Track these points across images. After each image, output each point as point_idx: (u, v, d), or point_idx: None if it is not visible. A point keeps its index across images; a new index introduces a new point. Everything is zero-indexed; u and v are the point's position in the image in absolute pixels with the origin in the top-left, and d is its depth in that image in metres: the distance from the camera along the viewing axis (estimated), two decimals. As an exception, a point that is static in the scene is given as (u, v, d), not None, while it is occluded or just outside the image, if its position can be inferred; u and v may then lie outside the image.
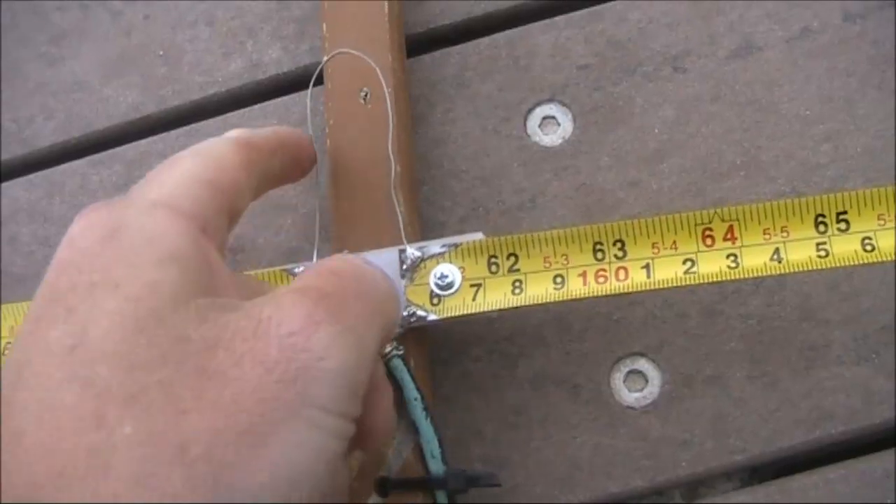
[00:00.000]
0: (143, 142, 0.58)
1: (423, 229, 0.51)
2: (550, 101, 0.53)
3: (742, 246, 0.43)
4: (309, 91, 0.51)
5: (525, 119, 0.53)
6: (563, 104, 0.53)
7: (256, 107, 0.57)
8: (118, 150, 0.58)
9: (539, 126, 0.53)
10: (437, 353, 0.50)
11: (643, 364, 0.49)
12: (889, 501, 0.46)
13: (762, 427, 0.48)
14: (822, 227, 0.42)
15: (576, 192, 0.52)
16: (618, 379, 0.49)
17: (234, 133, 0.40)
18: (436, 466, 0.44)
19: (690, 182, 0.51)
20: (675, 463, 0.48)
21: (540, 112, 0.53)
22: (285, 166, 0.44)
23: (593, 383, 0.49)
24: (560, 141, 0.53)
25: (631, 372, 0.49)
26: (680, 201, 0.50)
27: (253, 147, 0.39)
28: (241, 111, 0.57)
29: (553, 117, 0.53)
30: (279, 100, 0.57)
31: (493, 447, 0.49)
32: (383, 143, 0.48)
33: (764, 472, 0.49)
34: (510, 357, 0.50)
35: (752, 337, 0.48)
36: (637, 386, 0.49)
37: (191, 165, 0.35)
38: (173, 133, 0.57)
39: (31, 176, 0.58)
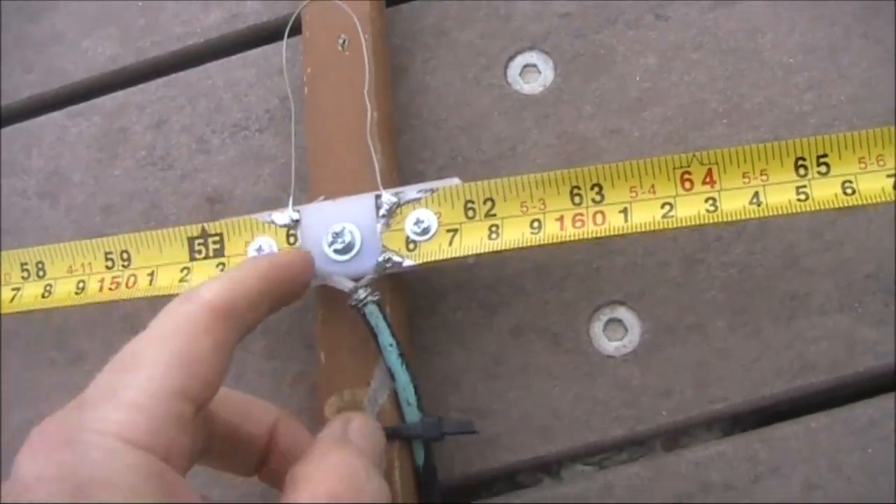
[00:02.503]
0: (121, 93, 0.57)
1: (403, 179, 0.50)
2: (531, 49, 0.53)
3: (721, 190, 0.42)
4: (284, 41, 0.51)
5: (506, 68, 0.53)
6: (545, 52, 0.53)
7: (235, 57, 0.56)
8: (97, 101, 0.58)
9: (520, 74, 0.53)
10: (416, 302, 0.50)
11: (623, 313, 0.49)
12: (869, 450, 0.45)
13: (744, 376, 0.47)
14: (802, 171, 0.41)
15: (557, 140, 0.51)
16: (597, 328, 0.49)
17: (209, 293, 0.36)
18: (411, 414, 0.43)
19: (672, 130, 0.50)
20: (655, 412, 0.47)
21: (521, 60, 0.53)
22: (275, 306, 0.40)
23: (573, 332, 0.49)
24: (541, 89, 0.52)
25: (611, 321, 0.49)
26: (662, 149, 0.50)
27: (232, 315, 0.35)
28: (221, 61, 0.56)
29: (534, 66, 0.53)
30: (258, 50, 0.56)
31: (472, 397, 0.49)
32: (360, 90, 0.48)
33: (745, 422, 0.48)
34: (489, 306, 0.50)
35: (734, 286, 0.48)
36: (617, 335, 0.49)
37: (154, 369, 0.32)
38: (152, 84, 0.57)
39: (9, 128, 0.58)
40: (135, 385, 0.31)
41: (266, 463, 0.40)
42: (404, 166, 0.52)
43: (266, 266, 0.39)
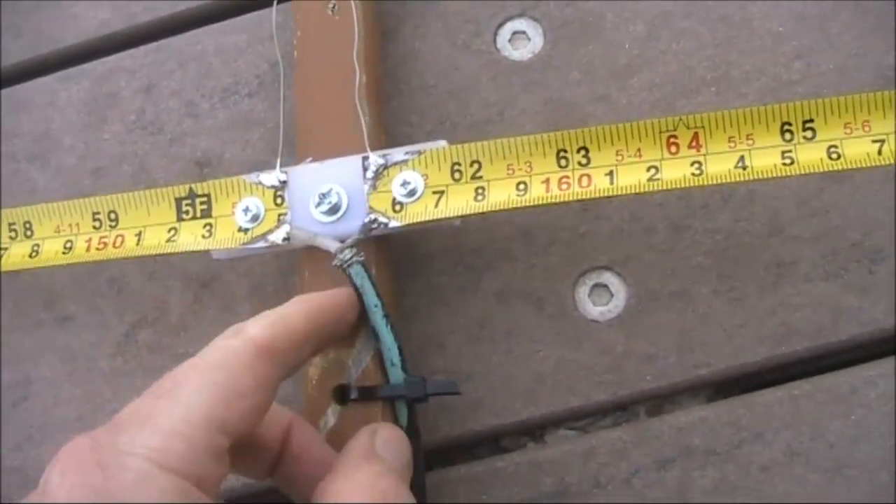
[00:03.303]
0: (111, 58, 0.57)
1: (391, 143, 0.50)
2: (521, 16, 0.53)
3: (707, 154, 0.42)
4: (274, 6, 0.51)
5: (495, 34, 0.53)
6: (534, 19, 0.53)
7: (226, 22, 0.56)
8: (86, 66, 0.57)
9: (509, 41, 0.53)
10: (402, 265, 0.50)
11: (608, 278, 0.49)
12: (852, 417, 0.45)
13: (727, 342, 0.47)
14: (787, 136, 0.42)
15: (544, 106, 0.51)
16: (583, 293, 0.49)
17: (255, 330, 0.35)
18: (395, 375, 0.43)
19: (660, 97, 0.50)
20: (638, 377, 0.47)
21: (510, 27, 0.53)
22: (320, 346, 0.40)
23: (558, 297, 0.49)
24: (530, 56, 0.52)
25: (596, 286, 0.49)
26: (649, 116, 0.49)
27: (276, 354, 0.35)
28: (211, 27, 0.56)
29: (523, 32, 0.53)
30: (249, 15, 0.56)
31: (456, 360, 0.49)
32: (350, 54, 0.48)
33: (729, 389, 0.48)
34: (475, 270, 0.50)
35: (720, 252, 0.48)
36: (602, 300, 0.49)
37: (195, 398, 0.32)
38: (142, 49, 0.57)
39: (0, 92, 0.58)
40: (173, 413, 0.31)
41: (279, 466, 0.40)
42: (393, 131, 0.52)
43: (312, 306, 0.39)
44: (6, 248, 0.50)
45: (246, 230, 0.46)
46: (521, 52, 0.52)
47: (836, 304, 0.47)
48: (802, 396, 0.46)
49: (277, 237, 0.46)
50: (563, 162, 0.43)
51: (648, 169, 0.42)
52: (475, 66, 0.52)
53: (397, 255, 0.50)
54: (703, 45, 0.51)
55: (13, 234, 0.50)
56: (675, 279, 0.48)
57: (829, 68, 0.49)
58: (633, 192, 0.42)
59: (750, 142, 0.42)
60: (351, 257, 0.43)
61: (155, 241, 0.47)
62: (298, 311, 0.38)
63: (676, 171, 0.42)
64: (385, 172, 0.45)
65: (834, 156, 0.41)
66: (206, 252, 0.47)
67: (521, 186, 0.43)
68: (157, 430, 0.31)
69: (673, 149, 0.42)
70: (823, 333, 0.47)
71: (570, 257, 0.49)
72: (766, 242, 0.48)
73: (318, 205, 0.45)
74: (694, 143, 0.42)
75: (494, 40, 0.53)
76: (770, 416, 0.46)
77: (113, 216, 0.48)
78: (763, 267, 0.48)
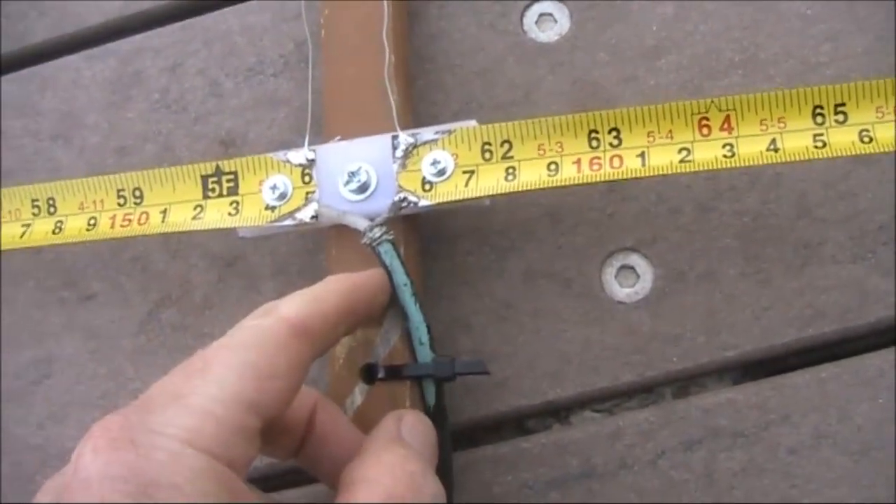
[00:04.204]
0: (137, 37, 0.57)
1: (416, 123, 0.50)
2: (548, -3, 0.53)
3: (738, 136, 0.42)
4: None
5: (522, 16, 0.53)
6: (561, 1, 0.53)
7: (251, 2, 0.56)
8: (111, 45, 0.57)
9: (535, 23, 0.53)
10: (428, 245, 0.50)
11: (635, 259, 0.49)
12: (879, 400, 0.45)
13: (754, 324, 0.47)
14: (819, 119, 0.41)
15: (571, 87, 0.51)
16: (609, 274, 0.49)
17: (288, 310, 0.35)
18: (424, 354, 0.43)
19: (687, 79, 0.50)
20: (665, 358, 0.47)
21: (537, 9, 0.53)
22: (352, 327, 0.40)
23: (584, 278, 0.49)
24: (556, 37, 0.52)
25: (623, 267, 0.49)
26: (676, 98, 0.49)
27: (309, 335, 0.35)
28: (237, 6, 0.56)
29: (550, 14, 0.52)
30: (274, -6, 0.56)
31: (482, 341, 0.49)
32: (378, 33, 0.48)
33: (756, 371, 0.48)
34: (501, 250, 0.50)
35: (747, 234, 0.48)
36: (629, 281, 0.49)
37: (227, 378, 0.32)
38: (167, 28, 0.57)
39: (24, 71, 0.58)
40: (204, 392, 0.31)
41: (304, 447, 0.39)
42: (418, 110, 0.52)
43: (346, 286, 0.39)
44: (29, 225, 0.49)
45: (273, 208, 0.46)
46: (548, 34, 0.52)
47: (864, 286, 0.47)
48: (829, 379, 0.46)
49: (305, 215, 0.46)
50: (594, 143, 0.43)
51: (680, 150, 0.42)
52: (501, 47, 0.52)
53: (426, 235, 0.50)
54: (731, 26, 0.51)
55: (36, 210, 0.50)
56: (702, 261, 0.48)
57: (857, 51, 0.49)
58: (664, 173, 0.42)
59: (781, 125, 0.42)
60: (380, 235, 0.43)
61: (180, 218, 0.47)
62: (332, 291, 0.38)
63: (708, 153, 0.42)
64: (415, 151, 0.45)
65: (866, 139, 0.41)
66: (231, 231, 0.47)
67: (553, 167, 0.43)
68: (189, 409, 0.30)
69: (705, 131, 0.42)
70: (850, 316, 0.47)
71: (597, 238, 0.49)
72: (794, 224, 0.48)
73: (347, 183, 0.45)
74: (726, 126, 0.42)
75: (521, 21, 0.53)
76: (797, 399, 0.46)
77: (138, 193, 0.48)
78: (790, 249, 0.48)
